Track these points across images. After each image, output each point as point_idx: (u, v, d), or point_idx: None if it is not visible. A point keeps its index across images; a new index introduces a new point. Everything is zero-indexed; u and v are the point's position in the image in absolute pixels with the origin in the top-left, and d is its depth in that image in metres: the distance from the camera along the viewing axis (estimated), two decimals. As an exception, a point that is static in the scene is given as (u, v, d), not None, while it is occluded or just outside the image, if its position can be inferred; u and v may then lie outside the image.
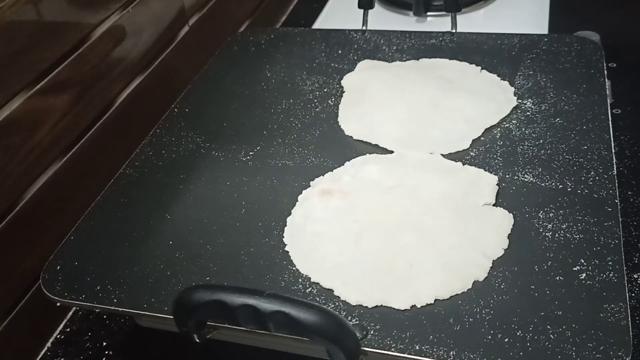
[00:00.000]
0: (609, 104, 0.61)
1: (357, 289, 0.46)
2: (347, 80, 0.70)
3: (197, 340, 0.44)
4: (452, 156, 0.57)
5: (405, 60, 0.72)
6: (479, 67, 0.68)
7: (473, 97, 0.64)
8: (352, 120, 0.64)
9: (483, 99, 0.63)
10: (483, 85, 0.66)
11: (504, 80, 0.66)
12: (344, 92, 0.68)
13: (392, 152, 0.59)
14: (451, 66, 0.70)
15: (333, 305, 0.45)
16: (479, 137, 0.59)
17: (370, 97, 0.66)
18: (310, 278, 0.48)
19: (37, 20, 0.58)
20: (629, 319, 0.41)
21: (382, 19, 0.92)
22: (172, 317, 0.43)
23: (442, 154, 0.58)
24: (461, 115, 0.62)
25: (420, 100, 0.64)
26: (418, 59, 0.72)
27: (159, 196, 0.57)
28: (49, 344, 0.59)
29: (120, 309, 0.47)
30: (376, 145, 0.60)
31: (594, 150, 0.56)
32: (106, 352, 0.56)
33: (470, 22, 0.90)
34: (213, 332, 0.45)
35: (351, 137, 0.62)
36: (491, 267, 0.46)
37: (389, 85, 0.67)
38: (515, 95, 0.63)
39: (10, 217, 0.56)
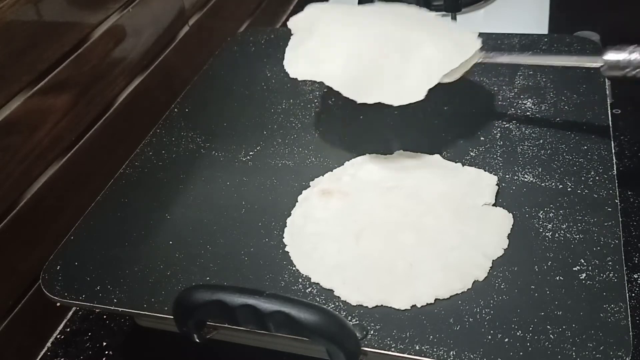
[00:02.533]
0: (609, 104, 0.61)
1: (357, 289, 0.46)
2: (294, 21, 0.63)
3: (197, 340, 0.44)
4: (454, 158, 0.57)
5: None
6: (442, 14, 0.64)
7: (433, 36, 0.57)
8: (297, 60, 0.58)
9: (445, 40, 0.56)
10: (446, 28, 0.60)
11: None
12: (291, 34, 0.62)
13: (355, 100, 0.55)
14: (412, 10, 0.63)
15: (333, 305, 0.45)
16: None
17: (318, 34, 0.59)
18: (310, 278, 0.47)
19: (37, 20, 0.58)
20: (629, 319, 0.41)
21: (382, 19, 0.92)
22: (172, 317, 0.43)
23: (392, 104, 0.53)
24: (418, 56, 0.55)
25: (373, 36, 0.57)
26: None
27: (159, 196, 0.57)
28: (49, 344, 0.59)
29: (120, 309, 0.47)
30: (321, 83, 0.57)
31: (594, 150, 0.56)
32: (106, 352, 0.56)
33: (470, 22, 0.90)
34: (213, 332, 0.45)
35: (296, 79, 0.57)
36: (491, 267, 0.46)
37: (339, 21, 0.61)
38: (479, 38, 0.58)
39: (10, 217, 0.56)
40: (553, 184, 0.53)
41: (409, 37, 0.57)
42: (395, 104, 0.53)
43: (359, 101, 0.54)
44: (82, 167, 0.64)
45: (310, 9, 0.64)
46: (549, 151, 0.56)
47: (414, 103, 0.54)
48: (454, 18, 0.75)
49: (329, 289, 0.46)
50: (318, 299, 0.46)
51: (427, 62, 0.55)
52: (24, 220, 0.57)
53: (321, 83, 0.69)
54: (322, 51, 0.57)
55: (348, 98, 0.67)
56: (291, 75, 0.57)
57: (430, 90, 0.56)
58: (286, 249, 0.50)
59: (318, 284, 0.47)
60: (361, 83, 0.54)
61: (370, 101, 0.54)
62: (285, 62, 0.58)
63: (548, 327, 0.42)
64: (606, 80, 0.64)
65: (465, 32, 0.59)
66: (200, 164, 0.61)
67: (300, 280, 0.48)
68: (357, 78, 0.54)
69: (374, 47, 0.57)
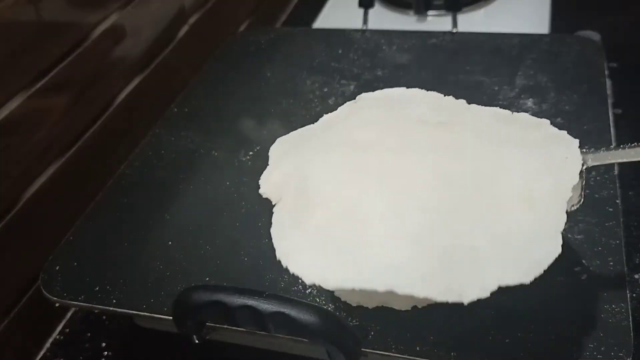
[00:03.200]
0: (609, 104, 0.61)
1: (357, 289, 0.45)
2: (265, 188, 0.44)
3: (197, 341, 0.44)
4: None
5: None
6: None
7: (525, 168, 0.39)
8: (311, 261, 0.38)
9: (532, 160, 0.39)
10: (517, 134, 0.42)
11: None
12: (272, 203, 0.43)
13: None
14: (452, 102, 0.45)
15: (333, 306, 0.45)
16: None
17: (321, 202, 0.39)
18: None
19: (37, 20, 0.58)
20: (630, 320, 0.41)
21: (383, 19, 0.92)
22: (171, 317, 0.43)
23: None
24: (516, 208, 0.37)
25: (424, 184, 0.38)
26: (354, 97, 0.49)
27: (159, 196, 0.57)
28: (48, 345, 0.58)
29: (119, 310, 0.47)
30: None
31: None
32: (105, 353, 0.56)
33: (471, 21, 0.90)
34: (212, 333, 0.45)
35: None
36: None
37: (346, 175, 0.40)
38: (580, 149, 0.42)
39: (10, 217, 0.56)
40: (554, 184, 0.53)
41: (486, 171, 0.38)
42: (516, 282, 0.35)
43: (466, 303, 0.35)
44: (82, 167, 0.64)
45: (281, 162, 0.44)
46: (549, 151, 0.56)
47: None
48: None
49: (329, 290, 0.46)
50: (318, 299, 0.46)
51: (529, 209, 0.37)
52: (24, 220, 0.57)
53: (321, 83, 0.70)
54: (352, 238, 0.37)
55: (348, 98, 0.67)
56: (308, 283, 0.38)
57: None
58: (286, 249, 0.50)
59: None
60: (440, 277, 0.35)
61: (467, 301, 0.35)
62: (280, 256, 0.39)
63: (548, 327, 0.42)
64: (606, 80, 0.64)
65: (559, 144, 0.41)
66: (200, 164, 0.61)
67: (300, 280, 0.47)
68: (428, 271, 0.35)
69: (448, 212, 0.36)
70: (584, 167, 0.40)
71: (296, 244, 0.38)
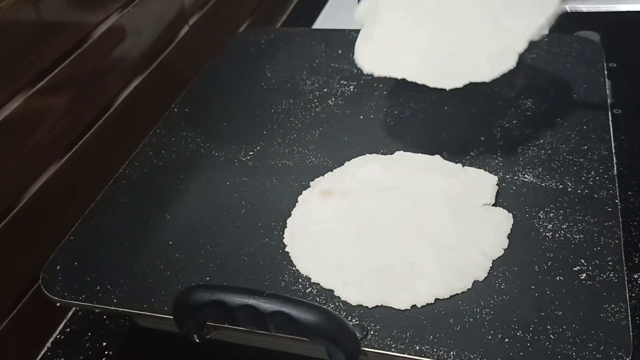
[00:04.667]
0: (609, 104, 0.61)
1: (357, 288, 0.46)
2: (358, 13, 0.62)
3: (197, 341, 0.44)
4: (454, 159, 0.57)
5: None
6: None
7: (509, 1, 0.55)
8: (371, 55, 0.56)
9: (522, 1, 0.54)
10: None
11: None
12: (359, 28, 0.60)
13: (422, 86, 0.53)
14: None
15: (333, 306, 0.45)
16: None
17: (386, 22, 0.57)
18: (310, 278, 0.47)
19: (37, 20, 0.58)
20: (629, 319, 0.41)
21: (382, 19, 0.92)
22: (172, 317, 0.43)
23: (484, 81, 0.51)
24: (499, 25, 0.53)
25: (444, 14, 0.55)
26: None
27: (159, 196, 0.57)
28: (48, 344, 0.58)
29: (120, 309, 0.47)
30: (322, 83, 0.59)
31: (594, 150, 0.56)
32: (106, 352, 0.56)
33: (471, 22, 0.89)
34: (213, 332, 0.45)
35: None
36: (491, 267, 0.46)
37: (403, 2, 0.59)
38: None
39: (10, 217, 0.56)
40: (553, 184, 0.53)
41: (483, 7, 0.55)
42: (487, 79, 0.50)
43: (448, 88, 0.52)
44: (82, 167, 0.64)
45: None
46: (549, 151, 0.56)
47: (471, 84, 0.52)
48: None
49: (329, 289, 0.46)
50: (318, 299, 0.46)
51: (510, 29, 0.52)
52: (24, 220, 0.57)
53: (321, 83, 0.70)
54: (395, 42, 0.54)
55: (348, 98, 0.67)
56: (365, 72, 0.55)
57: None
58: (286, 249, 0.50)
59: (318, 284, 0.47)
60: (445, 68, 0.52)
61: (461, 84, 0.51)
62: (356, 58, 0.56)
63: (548, 327, 0.42)
64: (606, 80, 0.64)
65: None
66: (200, 164, 0.61)
67: (300, 280, 0.48)
68: (439, 64, 0.52)
69: (449, 25, 0.54)
70: None
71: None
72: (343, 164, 0.58)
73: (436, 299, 0.45)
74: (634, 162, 0.67)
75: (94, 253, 0.52)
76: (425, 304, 0.44)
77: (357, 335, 0.41)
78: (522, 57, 0.68)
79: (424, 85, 0.57)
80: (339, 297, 0.46)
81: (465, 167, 0.56)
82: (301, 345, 0.46)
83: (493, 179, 0.54)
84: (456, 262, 0.47)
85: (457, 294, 0.45)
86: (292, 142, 0.62)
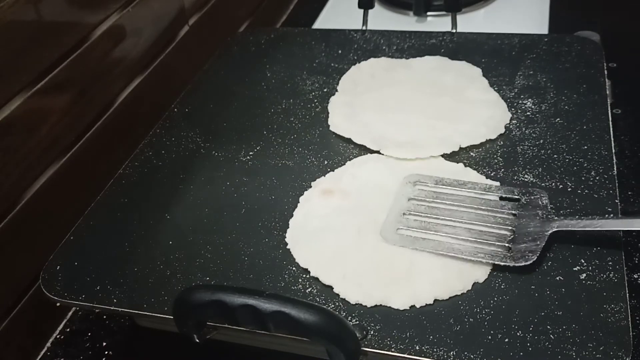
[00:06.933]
0: (609, 104, 0.61)
1: (356, 284, 0.46)
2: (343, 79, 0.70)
3: (197, 341, 0.44)
4: (455, 158, 0.58)
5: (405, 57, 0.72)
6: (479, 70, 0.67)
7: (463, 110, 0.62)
8: (341, 119, 0.64)
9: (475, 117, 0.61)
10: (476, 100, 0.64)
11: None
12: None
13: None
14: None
15: (333, 306, 0.45)
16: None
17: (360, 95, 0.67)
18: (309, 272, 0.47)
19: (37, 20, 0.58)
20: (629, 319, 0.41)
21: (382, 19, 0.92)
22: (172, 317, 0.43)
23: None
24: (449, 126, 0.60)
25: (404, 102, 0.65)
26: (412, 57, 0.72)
27: (159, 196, 0.57)
28: (48, 344, 0.58)
29: (120, 309, 0.47)
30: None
31: (594, 150, 0.56)
32: (106, 352, 0.56)
33: (471, 22, 0.90)
34: (213, 332, 0.45)
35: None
36: (491, 268, 0.46)
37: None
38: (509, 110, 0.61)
39: (10, 217, 0.56)
40: (553, 184, 0.53)
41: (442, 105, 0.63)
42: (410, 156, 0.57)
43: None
44: (82, 167, 0.64)
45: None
46: (549, 151, 0.56)
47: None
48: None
49: (328, 286, 0.46)
50: (318, 299, 0.46)
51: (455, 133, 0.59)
52: (24, 220, 0.57)
53: (321, 83, 0.70)
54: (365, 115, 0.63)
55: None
56: (331, 128, 0.63)
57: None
58: (287, 247, 0.50)
59: (318, 281, 0.47)
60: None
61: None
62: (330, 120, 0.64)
63: (548, 327, 0.42)
64: (606, 80, 0.64)
65: (497, 105, 0.62)
66: (200, 164, 0.61)
67: (300, 280, 0.48)
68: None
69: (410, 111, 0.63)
70: (549, 232, 0.47)
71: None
72: (343, 164, 0.58)
73: (435, 299, 0.45)
74: (634, 162, 0.67)
75: (94, 253, 0.52)
76: (424, 304, 0.44)
77: (357, 335, 0.41)
78: (522, 57, 0.69)
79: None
80: (338, 297, 0.46)
81: (467, 168, 0.56)
82: (301, 345, 0.46)
83: (494, 183, 0.54)
84: (456, 262, 0.47)
85: (456, 294, 0.45)
86: (292, 142, 0.62)
